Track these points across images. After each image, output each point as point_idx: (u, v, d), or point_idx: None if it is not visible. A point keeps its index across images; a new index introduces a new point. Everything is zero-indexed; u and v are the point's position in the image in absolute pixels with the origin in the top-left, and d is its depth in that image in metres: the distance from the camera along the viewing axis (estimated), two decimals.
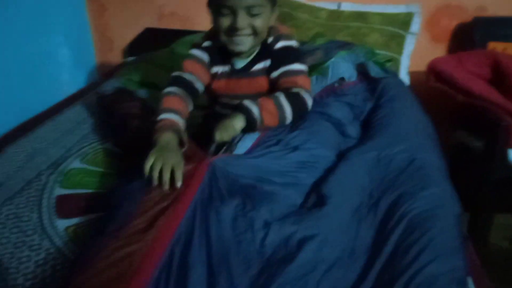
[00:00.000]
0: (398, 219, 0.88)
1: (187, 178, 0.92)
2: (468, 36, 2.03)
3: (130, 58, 1.92)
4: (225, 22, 1.11)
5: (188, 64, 1.23)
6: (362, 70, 1.44)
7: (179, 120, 1.09)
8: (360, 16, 2.03)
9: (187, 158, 0.98)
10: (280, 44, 1.21)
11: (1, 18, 1.77)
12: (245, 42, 1.15)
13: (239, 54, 1.20)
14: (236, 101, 1.16)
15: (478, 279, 0.91)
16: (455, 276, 0.78)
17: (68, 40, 2.24)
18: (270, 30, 1.20)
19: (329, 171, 1.04)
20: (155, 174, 0.91)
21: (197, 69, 1.22)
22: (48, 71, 2.10)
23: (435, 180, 1.00)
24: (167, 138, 1.01)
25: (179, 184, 0.91)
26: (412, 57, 1.95)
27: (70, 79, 2.25)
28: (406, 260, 0.79)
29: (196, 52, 1.24)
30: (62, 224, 1.02)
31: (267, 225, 0.85)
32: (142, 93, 1.51)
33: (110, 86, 1.56)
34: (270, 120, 1.12)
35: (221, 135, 1.06)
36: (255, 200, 0.91)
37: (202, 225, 0.84)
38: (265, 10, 1.12)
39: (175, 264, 0.77)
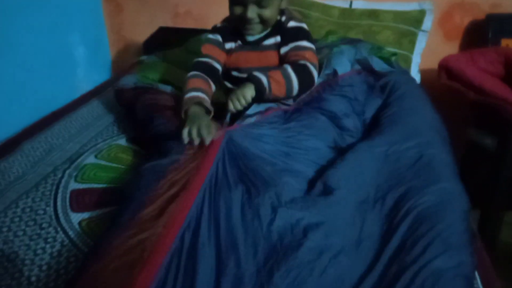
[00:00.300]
0: (405, 213, 0.88)
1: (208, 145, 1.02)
2: (481, 33, 2.01)
3: (144, 57, 1.94)
4: (237, 10, 1.24)
5: (204, 48, 1.34)
6: (365, 65, 1.43)
7: (204, 96, 1.20)
8: (372, 13, 2.03)
9: None
10: (291, 24, 1.31)
11: (24, 16, 1.80)
12: (254, 29, 1.28)
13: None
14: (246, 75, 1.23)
15: (486, 275, 0.90)
16: (462, 271, 0.77)
17: (84, 39, 2.28)
18: (283, 12, 1.31)
19: (329, 162, 1.05)
20: (185, 133, 1.03)
21: (213, 50, 1.33)
22: (65, 69, 2.14)
23: (444, 176, 0.99)
24: (195, 109, 1.14)
25: (207, 141, 1.02)
26: (424, 54, 1.93)
27: (86, 77, 2.29)
28: (413, 254, 0.78)
29: (210, 35, 1.37)
30: (76, 217, 1.04)
31: (274, 210, 0.86)
32: (164, 87, 1.50)
33: (127, 81, 1.58)
34: (278, 90, 1.20)
35: (234, 104, 1.15)
36: (259, 185, 0.92)
37: (210, 211, 0.86)
38: (274, 1, 1.22)
39: (185, 249, 0.79)
